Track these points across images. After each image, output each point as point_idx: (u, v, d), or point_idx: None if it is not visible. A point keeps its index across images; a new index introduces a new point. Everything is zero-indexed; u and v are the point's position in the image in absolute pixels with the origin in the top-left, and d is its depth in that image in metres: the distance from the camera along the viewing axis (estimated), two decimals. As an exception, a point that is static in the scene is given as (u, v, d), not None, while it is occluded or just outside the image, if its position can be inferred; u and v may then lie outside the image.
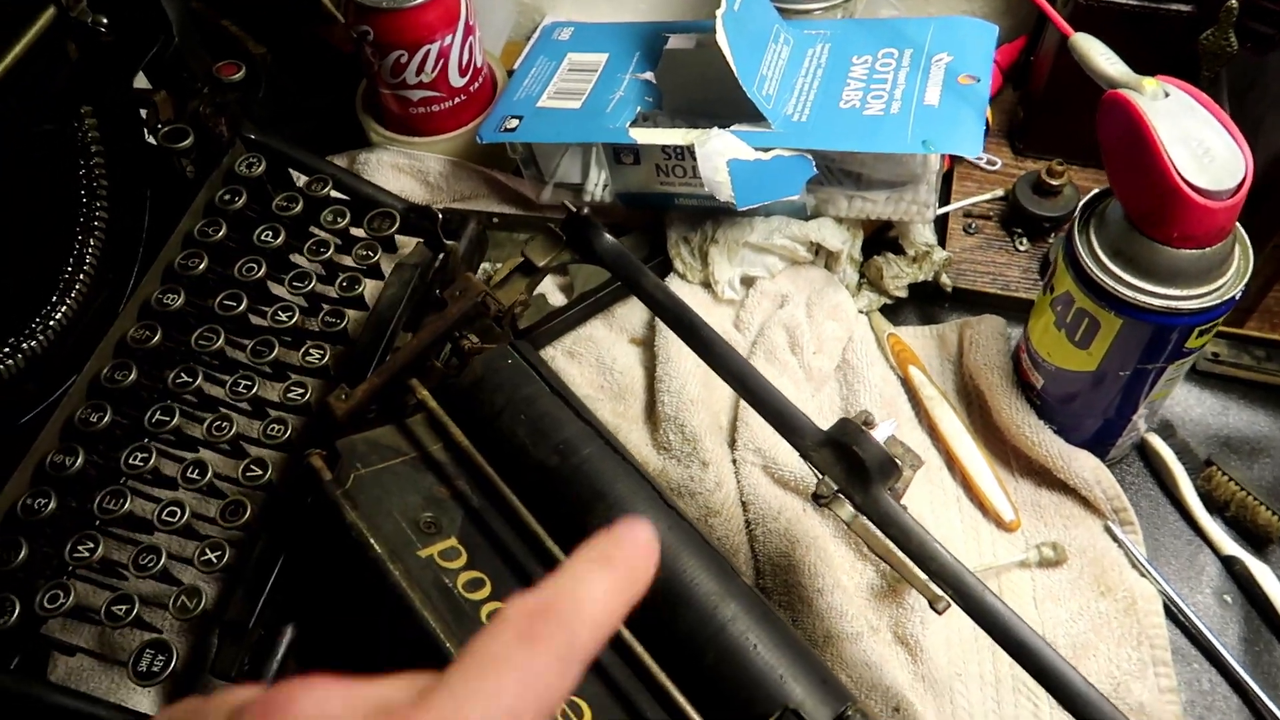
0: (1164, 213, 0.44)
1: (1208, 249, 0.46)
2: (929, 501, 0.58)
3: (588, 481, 0.49)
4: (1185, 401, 0.62)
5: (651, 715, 0.44)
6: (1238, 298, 0.47)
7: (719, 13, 0.58)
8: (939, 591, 0.44)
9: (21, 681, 0.47)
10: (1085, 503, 0.57)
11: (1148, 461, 0.60)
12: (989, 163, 0.72)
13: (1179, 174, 0.43)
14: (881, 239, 0.68)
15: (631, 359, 0.65)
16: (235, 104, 0.60)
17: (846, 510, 0.46)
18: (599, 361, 0.65)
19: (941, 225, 0.69)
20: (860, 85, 0.62)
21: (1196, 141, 0.44)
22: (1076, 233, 0.49)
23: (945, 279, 0.65)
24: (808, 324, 0.64)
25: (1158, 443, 0.59)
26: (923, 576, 0.44)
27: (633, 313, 0.67)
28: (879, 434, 0.47)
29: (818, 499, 0.47)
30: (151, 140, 0.57)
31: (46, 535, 0.48)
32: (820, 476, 0.46)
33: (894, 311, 0.67)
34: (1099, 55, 0.47)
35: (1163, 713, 0.50)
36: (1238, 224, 0.47)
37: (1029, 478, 0.59)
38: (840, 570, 0.54)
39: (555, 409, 0.51)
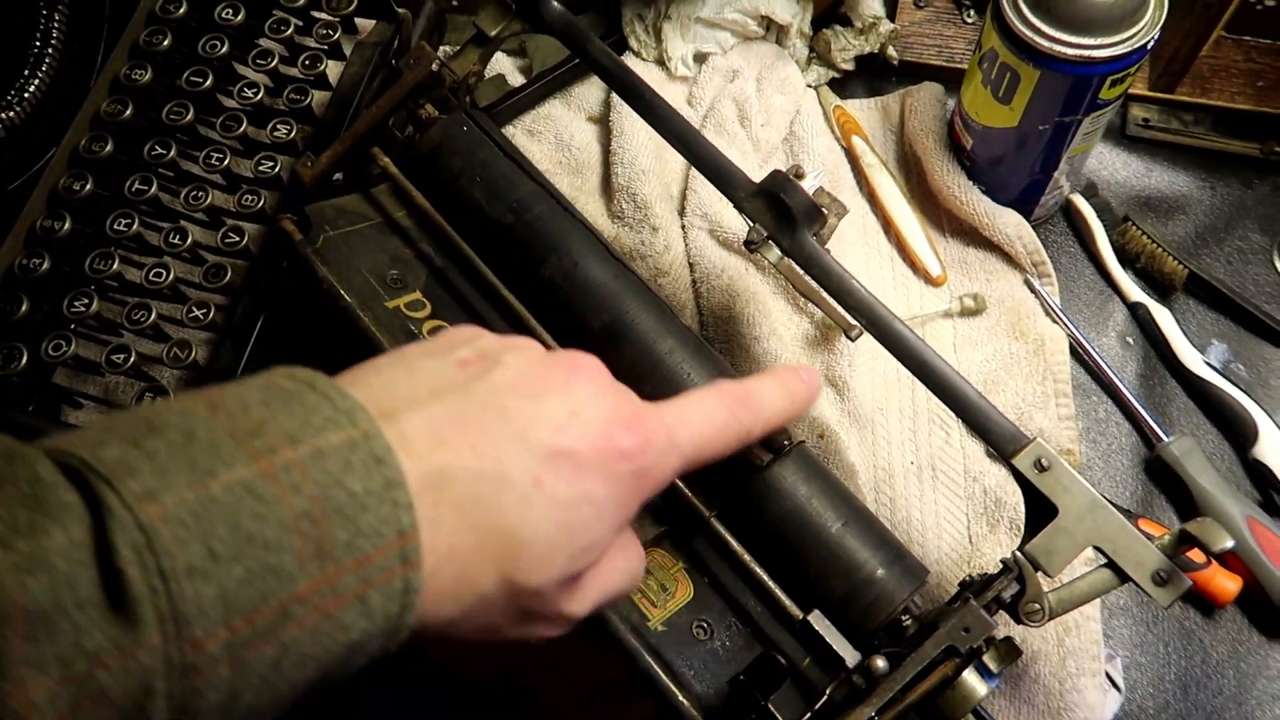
0: (1078, -42, 0.46)
1: (1121, -5, 0.48)
2: (864, 261, 0.63)
3: (540, 236, 0.53)
4: (1112, 164, 0.65)
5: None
6: (1149, 46, 0.50)
7: None
8: (853, 321, 0.48)
9: (39, 421, 0.52)
10: (1008, 258, 0.62)
11: (1070, 221, 0.64)
12: (944, -65, 0.72)
13: (1092, -82, 0.45)
14: (832, 14, 0.69)
15: (589, 136, 0.68)
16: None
17: (774, 254, 0.50)
18: (557, 138, 0.67)
19: (892, 0, 0.70)
20: None
21: (1113, -115, 0.45)
22: (1003, -8, 0.51)
23: (892, 51, 0.67)
24: (757, 98, 0.66)
25: (1080, 201, 0.62)
26: (840, 310, 0.49)
27: (590, 91, 0.69)
28: (807, 185, 0.50)
29: (749, 245, 0.51)
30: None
31: (44, 293, 0.53)
32: (751, 224, 0.50)
33: (842, 85, 0.69)
34: None
35: (1060, 436, 0.57)
36: (1150, -34, 0.48)
37: (958, 237, 0.63)
38: (777, 321, 0.59)
39: (510, 171, 0.55)
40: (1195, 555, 0.50)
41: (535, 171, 0.56)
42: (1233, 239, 0.62)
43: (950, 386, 0.47)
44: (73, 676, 0.24)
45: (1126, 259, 0.61)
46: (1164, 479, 0.56)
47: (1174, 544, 0.43)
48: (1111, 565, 0.43)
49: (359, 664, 0.30)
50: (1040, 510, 0.45)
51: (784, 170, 0.50)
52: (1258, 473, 0.55)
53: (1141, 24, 0.49)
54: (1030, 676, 0.52)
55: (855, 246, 0.63)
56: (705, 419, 0.37)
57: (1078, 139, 0.55)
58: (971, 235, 0.62)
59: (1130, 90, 0.64)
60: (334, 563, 0.27)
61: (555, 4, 0.55)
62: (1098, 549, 0.43)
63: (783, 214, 0.50)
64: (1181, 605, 0.54)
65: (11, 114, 0.53)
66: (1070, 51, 0.49)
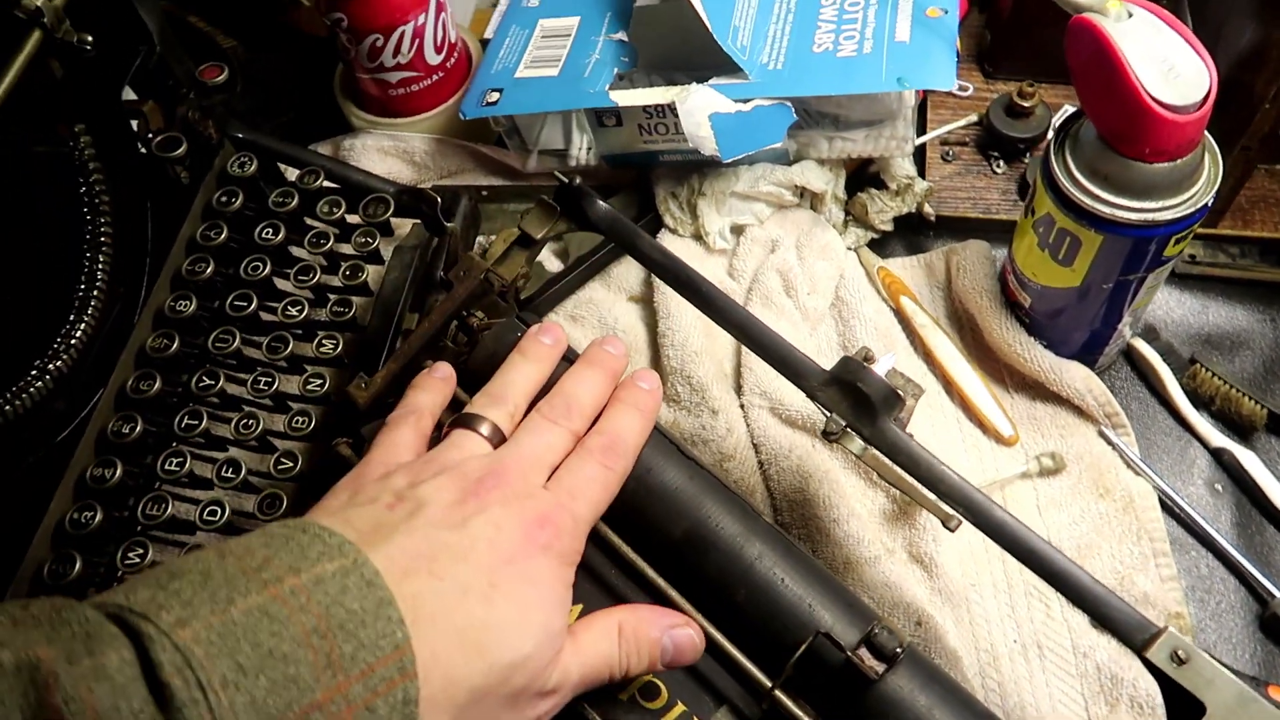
0: (1135, 131, 0.46)
1: (1179, 161, 0.48)
2: (931, 425, 0.61)
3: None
4: (1166, 304, 0.64)
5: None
6: (1210, 204, 0.49)
7: (686, -32, 0.59)
8: (949, 510, 0.46)
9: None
10: (1079, 411, 0.60)
11: (1135, 366, 0.62)
12: (961, 89, 0.73)
13: (1147, 93, 0.45)
14: (864, 176, 0.70)
15: (633, 317, 0.67)
16: (221, 106, 0.61)
17: (856, 444, 0.49)
18: (601, 322, 0.67)
19: (920, 156, 0.71)
20: (831, 27, 0.63)
21: (1162, 59, 0.45)
22: (1053, 155, 0.51)
23: (928, 208, 0.67)
24: (799, 266, 0.66)
25: (1143, 347, 0.61)
26: (933, 498, 0.47)
27: (629, 272, 0.69)
28: (880, 368, 0.49)
29: (828, 435, 0.49)
30: (145, 150, 0.58)
31: (96, 547, 0.50)
32: (828, 414, 0.49)
33: (881, 245, 0.69)
34: (1063, -20, 0.48)
35: (1166, 600, 0.54)
36: (1206, 133, 0.48)
37: (1023, 393, 0.62)
38: (853, 499, 0.57)
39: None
40: None
41: (594, 371, 0.54)
42: (1304, 372, 0.61)
43: (1064, 574, 0.44)
44: None
45: (1200, 402, 0.60)
46: (1274, 631, 0.53)
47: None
48: (1275, 767, 0.40)
49: None
50: (1184, 709, 0.42)
51: (854, 355, 0.49)
52: (1380, 622, 0.52)
53: (1199, 184, 0.49)
54: None
55: (919, 411, 0.61)
56: (590, 484, 0.43)
57: (1141, 293, 0.54)
58: (1037, 390, 0.61)
59: (1172, 228, 0.64)
60: (343, 672, 0.32)
61: (601, 203, 0.55)
62: (1256, 745, 0.40)
63: (861, 402, 0.48)
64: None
65: (59, 363, 0.52)
66: (1135, 216, 0.49)
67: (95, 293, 0.54)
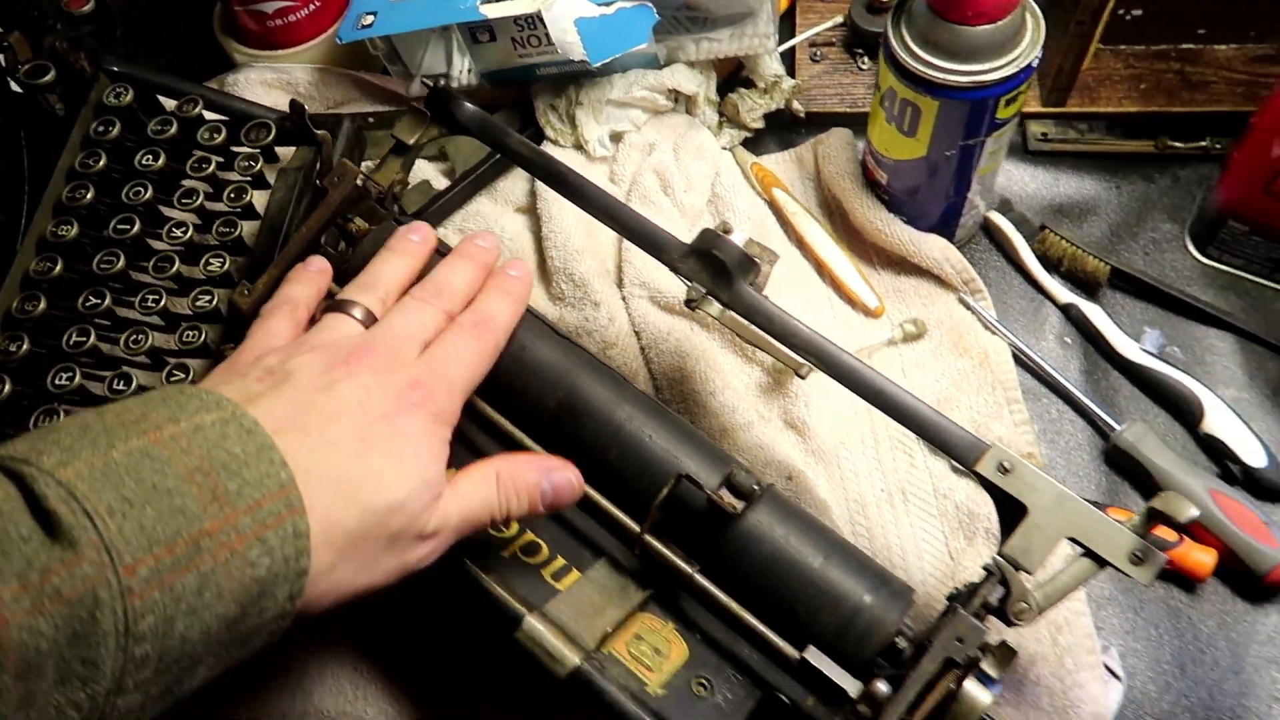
0: (952, -7, 0.50)
1: (999, 22, 0.51)
2: (804, 306, 0.64)
3: (483, 325, 0.54)
4: (1021, 180, 0.68)
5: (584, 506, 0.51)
6: (1034, 64, 0.53)
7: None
8: (801, 360, 0.50)
9: None
10: (939, 281, 0.64)
11: (992, 237, 0.66)
12: (826, -8, 0.76)
13: (956, -45, 0.48)
14: (735, 80, 0.73)
15: (519, 226, 0.69)
16: (90, 37, 0.62)
17: (715, 308, 0.52)
18: (489, 232, 0.69)
19: (790, 58, 0.74)
20: (686, -70, 0.65)
21: (969, -77, 0.49)
22: (890, 30, 0.54)
23: (797, 105, 0.70)
24: (675, 166, 0.68)
25: (998, 218, 0.65)
26: (787, 351, 0.50)
27: (515, 184, 0.71)
28: (736, 238, 0.52)
29: (690, 304, 0.52)
30: (14, 83, 0.59)
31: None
32: (689, 283, 0.52)
33: (755, 143, 0.72)
34: None
35: (1019, 442, 0.58)
36: (1024, -2, 0.52)
37: (889, 269, 0.65)
38: (729, 374, 0.60)
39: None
40: (1166, 534, 0.51)
41: (471, 265, 0.57)
42: (1145, 231, 0.65)
43: (905, 408, 0.48)
44: (29, 583, 0.29)
45: (1050, 265, 0.64)
46: (1124, 467, 0.57)
47: (1143, 523, 0.44)
48: (1089, 553, 0.44)
49: (271, 613, 0.35)
50: (1011, 513, 0.46)
51: (712, 228, 0.52)
52: (1211, 446, 0.57)
53: (1023, 45, 0.52)
54: (1031, 680, 0.52)
55: (792, 291, 0.65)
56: (462, 353, 0.45)
57: (984, 159, 0.58)
58: (901, 265, 0.65)
59: (1025, 109, 0.68)
60: (230, 506, 0.33)
61: (468, 105, 0.57)
62: (1072, 540, 0.44)
63: (717, 269, 0.51)
64: (1165, 586, 0.54)
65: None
66: (964, 80, 0.52)
67: (-27, 221, 0.55)
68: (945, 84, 0.52)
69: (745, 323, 0.51)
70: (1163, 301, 0.62)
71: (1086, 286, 0.63)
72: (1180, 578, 0.54)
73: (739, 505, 0.47)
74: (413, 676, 0.55)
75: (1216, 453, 0.57)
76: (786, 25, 0.76)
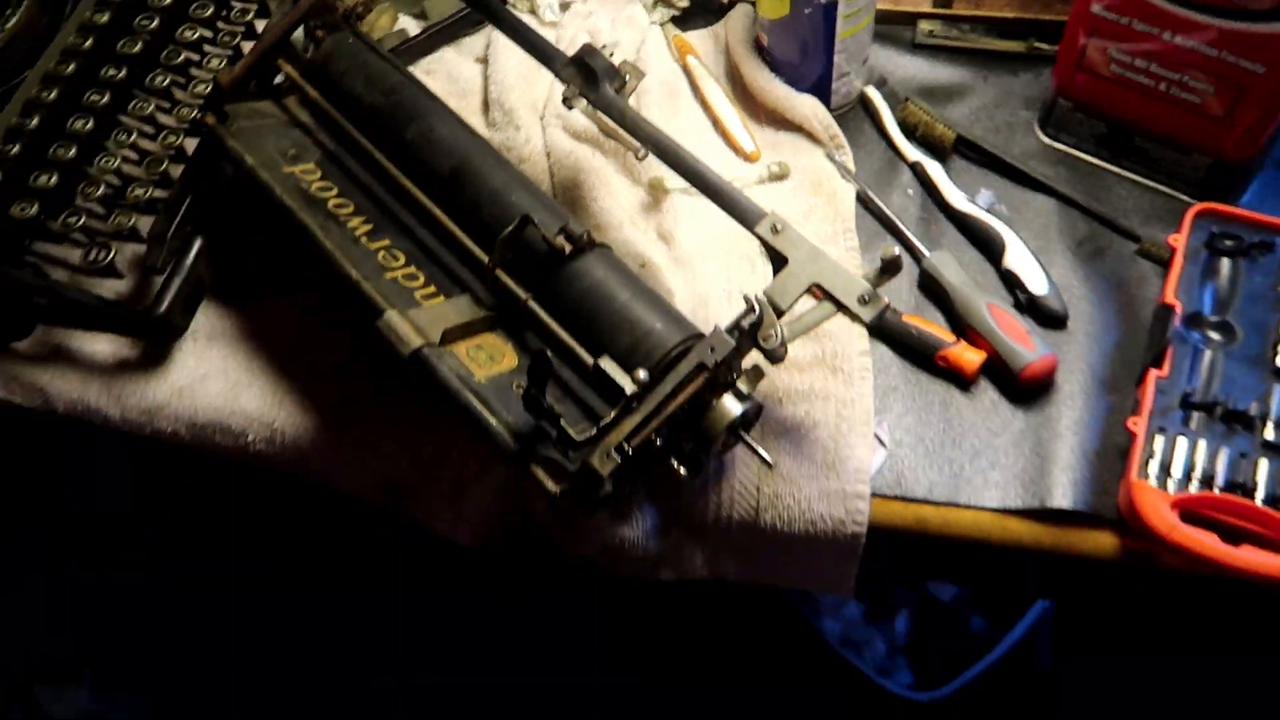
0: None
1: (834, -113, 0.61)
2: (697, 151, 0.75)
3: (405, 110, 0.66)
4: (903, 67, 0.78)
5: (448, 253, 0.63)
6: (870, -70, 0.63)
7: None
8: (639, 145, 0.61)
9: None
10: (811, 137, 0.74)
11: (866, 110, 0.76)
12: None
13: None
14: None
15: (474, 72, 0.82)
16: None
17: (583, 104, 0.63)
18: (449, 75, 0.82)
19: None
20: None
21: None
22: (761, -99, 0.65)
23: (720, -11, 0.81)
24: (609, 31, 0.80)
25: (871, 91, 0.75)
26: (631, 140, 0.61)
27: (477, 40, 0.84)
28: (612, 57, 0.64)
29: (565, 102, 0.64)
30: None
31: (17, 172, 0.66)
32: (566, 85, 0.64)
33: (683, 21, 0.83)
34: None
35: (848, 263, 0.68)
36: None
37: (771, 125, 0.76)
38: (615, 188, 0.72)
39: (384, 68, 0.69)
40: (943, 334, 0.61)
41: (405, 70, 0.70)
42: (1002, 115, 0.74)
43: (705, 179, 0.59)
44: None
45: (908, 131, 0.73)
46: (929, 288, 0.66)
47: (875, 275, 0.54)
48: (828, 296, 0.54)
49: None
50: (777, 265, 0.56)
51: (591, 45, 0.64)
52: (1007, 279, 0.66)
53: (859, -89, 0.63)
54: (811, 440, 0.61)
55: (689, 140, 0.75)
56: None
57: (840, 23, 0.68)
58: (782, 123, 0.75)
59: (916, 9, 0.78)
60: None
61: (422, -58, 0.70)
62: (818, 285, 0.54)
63: (589, 75, 0.63)
64: (942, 383, 0.63)
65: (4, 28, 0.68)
66: (805, -64, 0.63)
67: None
68: (794, -58, 0.63)
69: (606, 119, 0.63)
70: (1001, 169, 0.71)
71: (937, 151, 0.72)
72: (956, 377, 0.63)
73: (569, 248, 0.58)
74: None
75: (1010, 284, 0.66)
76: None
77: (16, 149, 0.66)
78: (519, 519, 0.66)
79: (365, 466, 0.67)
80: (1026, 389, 0.62)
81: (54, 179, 0.67)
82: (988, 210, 0.69)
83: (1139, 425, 0.58)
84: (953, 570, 0.70)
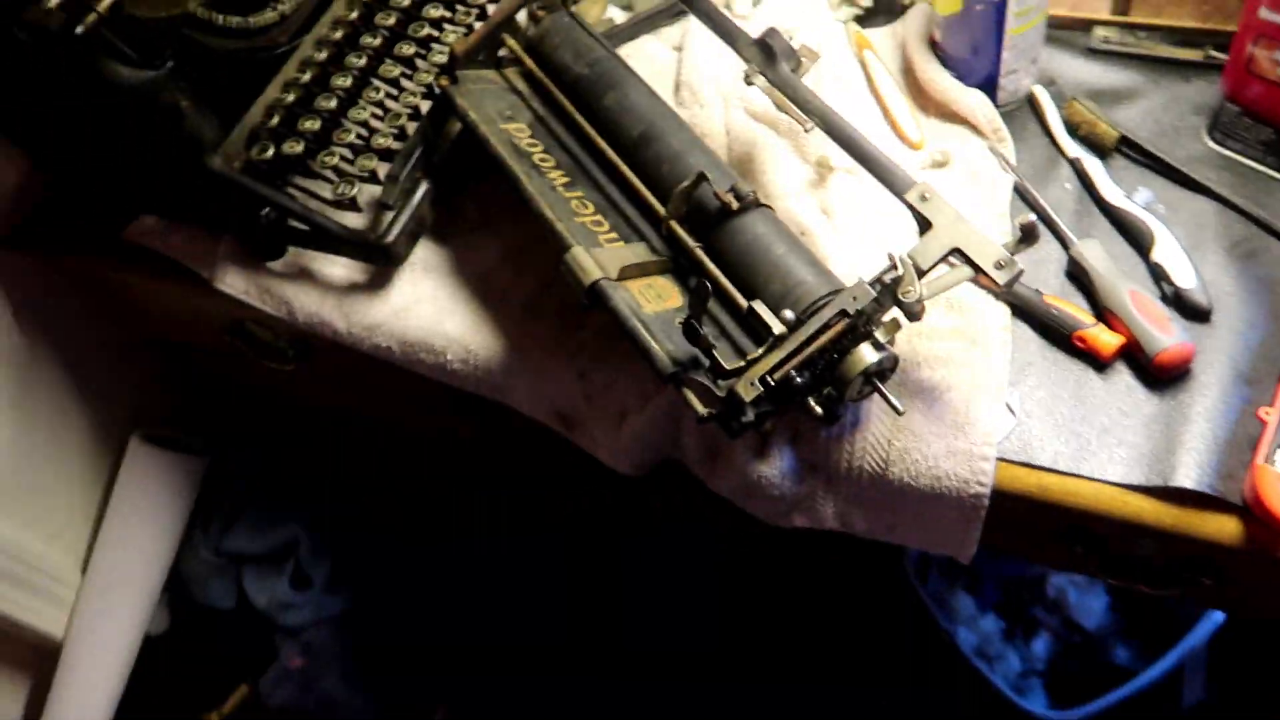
0: None
1: (1010, -110, 0.66)
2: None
3: (605, 80, 0.76)
4: (1075, 70, 0.81)
5: (630, 205, 0.72)
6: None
7: None
8: (804, 116, 0.68)
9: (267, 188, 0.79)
10: (975, 130, 0.78)
11: (1033, 109, 0.80)
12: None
13: None
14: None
15: (670, 57, 0.91)
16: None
17: (761, 80, 0.71)
18: (648, 58, 0.91)
19: (915, -37, 0.91)
20: None
21: None
22: (942, -94, 0.71)
23: (903, -8, 0.87)
24: (794, 23, 0.87)
25: (1038, 89, 0.79)
26: (800, 113, 0.68)
27: (676, 31, 0.93)
28: (790, 38, 0.71)
29: (746, 79, 0.72)
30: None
31: (290, 118, 0.80)
32: (747, 64, 0.72)
33: (866, 19, 0.89)
34: None
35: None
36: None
37: (937, 118, 0.81)
38: (785, 164, 0.79)
39: (591, 43, 0.79)
40: (1082, 315, 0.65)
41: (608, 46, 0.79)
42: (1170, 119, 0.76)
43: (862, 148, 0.65)
44: None
45: (1071, 129, 0.77)
46: (1075, 276, 0.70)
47: (1013, 244, 0.58)
48: (965, 259, 0.59)
49: None
50: (923, 229, 0.62)
51: (775, 28, 0.71)
52: (1155, 272, 0.68)
53: (1035, -82, 0.67)
54: (943, 402, 0.66)
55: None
56: None
57: (1010, 20, 0.73)
58: (949, 115, 0.80)
59: (1094, 15, 0.81)
60: None
61: (635, -62, 0.80)
62: (958, 250, 0.60)
63: (769, 54, 0.71)
64: (1079, 363, 0.67)
65: (283, 6, 0.82)
66: (981, -62, 0.68)
67: (311, -26, 0.85)
68: (971, -57, 0.68)
69: (779, 94, 0.70)
70: (1162, 170, 0.74)
71: (1098, 149, 0.75)
72: (1092, 358, 0.66)
73: (735, 204, 0.66)
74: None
75: (1157, 276, 0.68)
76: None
77: (291, 98, 0.80)
78: (673, 452, 0.74)
79: (542, 393, 0.77)
80: (1162, 374, 0.64)
81: (317, 124, 0.80)
82: (1144, 208, 0.71)
83: (1271, 415, 0.59)
84: (1071, 543, 0.72)
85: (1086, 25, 0.82)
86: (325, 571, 1.14)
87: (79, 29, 0.67)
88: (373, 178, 0.80)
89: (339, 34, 0.84)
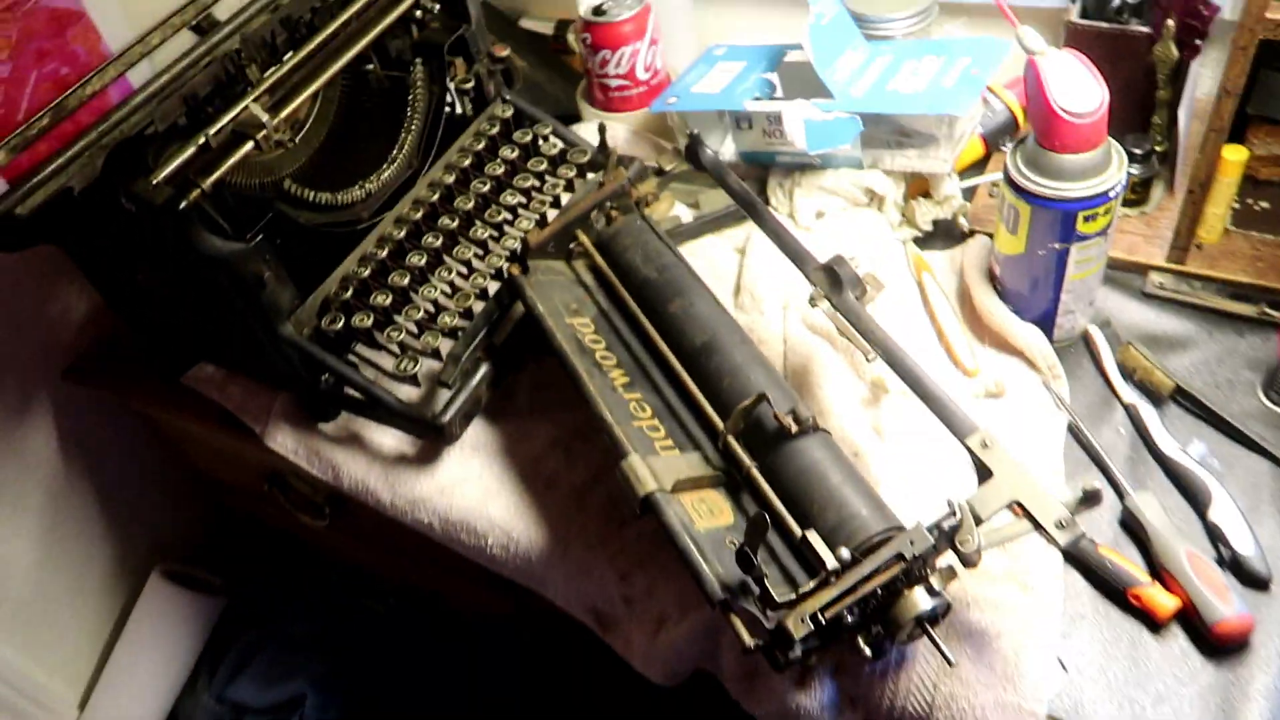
0: (1048, 128, 0.69)
1: (1081, 155, 0.69)
2: (917, 358, 0.82)
3: (672, 285, 0.78)
4: (1129, 313, 0.82)
5: (688, 413, 0.72)
6: (1111, 194, 0.70)
7: (807, 24, 0.88)
8: (867, 346, 0.69)
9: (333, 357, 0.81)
10: (1030, 365, 0.79)
11: (1087, 347, 0.81)
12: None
13: (1054, 102, 0.68)
14: (922, 194, 0.94)
15: (732, 259, 0.94)
16: (499, 74, 0.96)
17: (825, 305, 0.73)
18: (709, 258, 0.94)
19: (974, 191, 0.94)
20: (906, 77, 0.89)
21: (1073, 84, 0.69)
22: (1009, 154, 0.74)
23: (962, 220, 0.90)
24: (857, 242, 0.90)
25: (1093, 329, 0.80)
26: (864, 341, 0.70)
27: (739, 232, 0.96)
28: (857, 268, 0.73)
29: (811, 301, 0.74)
30: (452, 86, 0.94)
31: (365, 291, 0.83)
32: (814, 287, 0.73)
33: (924, 242, 0.92)
34: (1027, 37, 0.73)
35: (1050, 487, 0.72)
36: (1112, 140, 0.70)
37: (993, 347, 0.82)
38: (839, 379, 0.80)
39: (661, 247, 0.82)
40: (1137, 572, 0.65)
41: (678, 252, 0.82)
42: (1224, 371, 0.77)
43: (925, 386, 0.66)
44: None
45: (1126, 373, 0.78)
46: (1131, 529, 0.69)
47: (1074, 503, 0.58)
48: (1027, 515, 0.59)
49: None
50: (982, 477, 0.62)
51: (841, 257, 0.74)
52: (1211, 532, 0.68)
53: (1102, 177, 0.70)
54: (993, 649, 0.65)
55: (912, 349, 0.83)
56: None
57: (1071, 266, 0.75)
58: (1004, 347, 0.81)
59: (1150, 261, 0.83)
60: None
61: (709, 150, 0.83)
62: (1018, 503, 0.60)
63: (835, 281, 0.73)
64: (1134, 621, 0.65)
65: (371, 185, 0.86)
66: (1049, 192, 0.71)
67: (399, 156, 0.89)
68: (1036, 193, 0.71)
69: (843, 320, 0.72)
70: (1217, 424, 0.74)
71: (1153, 397, 0.76)
72: (1146, 618, 0.65)
73: (794, 428, 0.67)
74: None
75: (1214, 538, 0.67)
76: (980, 169, 0.96)
77: (366, 272, 0.83)
78: (709, 666, 0.72)
79: (581, 589, 0.76)
80: (1219, 644, 0.63)
81: (388, 299, 0.83)
82: (1199, 462, 0.71)
83: (1336, 704, 0.57)
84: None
85: (1142, 270, 0.84)
86: (330, 732, 1.11)
87: (182, 204, 0.70)
88: (435, 354, 0.82)
89: (418, 214, 0.88)
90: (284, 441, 0.87)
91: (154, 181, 0.71)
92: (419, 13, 0.90)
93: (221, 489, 1.13)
